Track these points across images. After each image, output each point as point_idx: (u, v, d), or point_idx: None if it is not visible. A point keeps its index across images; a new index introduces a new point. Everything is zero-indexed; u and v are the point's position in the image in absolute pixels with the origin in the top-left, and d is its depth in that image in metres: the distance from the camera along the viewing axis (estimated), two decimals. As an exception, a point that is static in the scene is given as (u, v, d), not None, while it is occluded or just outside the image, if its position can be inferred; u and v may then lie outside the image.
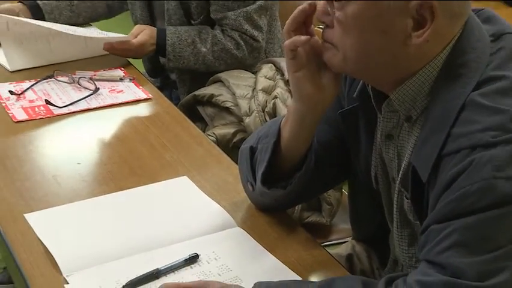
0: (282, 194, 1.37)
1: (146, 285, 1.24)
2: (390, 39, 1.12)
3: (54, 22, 2.29)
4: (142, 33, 2.14)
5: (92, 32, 2.30)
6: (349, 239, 1.62)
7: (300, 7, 1.22)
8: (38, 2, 2.32)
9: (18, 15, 2.24)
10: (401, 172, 1.22)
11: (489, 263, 1.05)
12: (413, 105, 1.18)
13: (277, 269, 1.28)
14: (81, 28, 2.29)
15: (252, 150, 1.38)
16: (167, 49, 2.15)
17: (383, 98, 1.22)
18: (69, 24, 2.28)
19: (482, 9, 1.23)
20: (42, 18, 2.30)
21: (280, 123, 1.34)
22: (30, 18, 2.27)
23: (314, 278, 1.28)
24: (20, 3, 2.32)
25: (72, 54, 2.18)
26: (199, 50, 2.16)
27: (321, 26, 1.21)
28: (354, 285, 1.12)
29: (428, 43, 1.11)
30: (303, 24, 1.23)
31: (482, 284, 1.04)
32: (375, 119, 1.28)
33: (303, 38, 1.21)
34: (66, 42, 2.16)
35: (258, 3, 2.16)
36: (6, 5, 2.30)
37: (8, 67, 2.10)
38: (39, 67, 2.11)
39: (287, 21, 1.23)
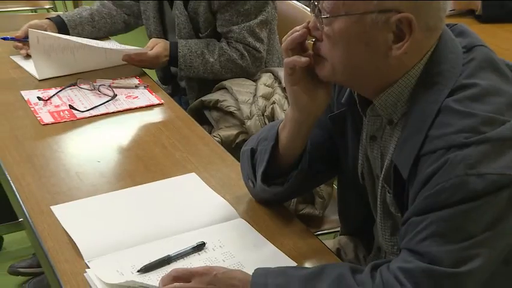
0: (280, 190, 1.38)
1: (158, 269, 1.25)
2: (373, 52, 1.13)
3: (77, 36, 2.30)
4: (157, 46, 2.15)
5: (112, 44, 2.31)
6: (339, 228, 1.62)
7: (300, 31, 1.22)
8: (64, 18, 2.33)
9: (46, 31, 2.25)
10: (384, 170, 1.23)
11: (463, 251, 1.05)
12: (394, 110, 1.18)
13: (275, 256, 1.29)
14: (102, 41, 2.30)
15: (253, 152, 1.39)
16: (179, 60, 2.16)
17: (367, 104, 1.23)
18: (90, 38, 2.29)
19: (456, 24, 1.23)
20: (67, 33, 2.30)
21: (278, 127, 1.35)
22: (57, 33, 2.28)
23: (308, 264, 1.28)
24: (47, 20, 2.33)
25: (93, 65, 2.18)
26: (207, 60, 2.16)
27: (312, 40, 1.22)
28: (344, 271, 1.13)
29: (407, 54, 1.12)
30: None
31: (457, 271, 1.04)
32: (361, 122, 1.28)
33: (303, 60, 1.22)
34: (88, 54, 2.17)
35: (259, 18, 2.16)
36: (36, 21, 2.31)
37: (37, 76, 2.12)
38: (64, 76, 2.11)
39: (286, 40, 1.23)
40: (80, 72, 2.13)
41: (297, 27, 1.23)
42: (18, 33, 2.26)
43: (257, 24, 2.15)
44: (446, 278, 1.05)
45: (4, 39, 2.26)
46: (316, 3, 1.15)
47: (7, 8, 3.60)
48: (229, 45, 2.17)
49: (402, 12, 1.08)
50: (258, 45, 2.17)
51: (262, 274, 1.15)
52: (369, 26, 1.10)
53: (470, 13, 2.58)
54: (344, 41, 1.13)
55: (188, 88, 2.29)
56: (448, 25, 1.19)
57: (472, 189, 1.04)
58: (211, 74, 2.19)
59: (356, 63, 1.15)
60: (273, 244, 1.32)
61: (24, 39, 2.23)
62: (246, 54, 2.16)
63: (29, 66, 2.17)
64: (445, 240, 1.05)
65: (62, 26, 2.31)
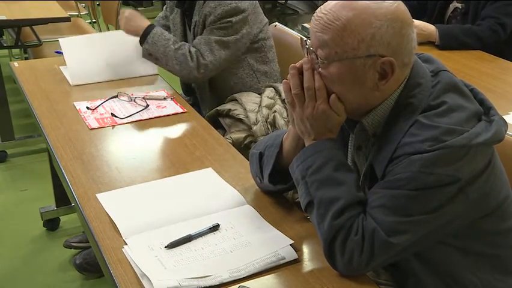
0: (283, 187, 1.36)
1: (181, 246, 1.23)
2: (363, 88, 1.12)
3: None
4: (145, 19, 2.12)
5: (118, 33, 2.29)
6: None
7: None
8: None
9: None
10: (363, 170, 1.22)
11: (398, 224, 1.06)
12: (378, 126, 1.18)
13: (275, 236, 1.27)
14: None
15: (261, 155, 1.37)
16: (150, 34, 2.09)
17: (352, 122, 1.23)
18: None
19: (422, 53, 1.23)
20: None
21: (283, 137, 1.33)
22: None
23: (304, 243, 1.26)
24: None
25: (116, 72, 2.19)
26: (169, 46, 2.08)
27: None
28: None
29: (389, 86, 1.13)
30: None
31: (390, 239, 1.06)
32: (348, 136, 1.28)
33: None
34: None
35: (220, 38, 2.07)
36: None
37: (71, 82, 2.12)
38: (107, 90, 2.09)
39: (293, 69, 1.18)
40: (120, 87, 2.11)
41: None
42: None
43: (216, 41, 2.07)
44: (381, 242, 1.06)
45: (57, 52, 2.31)
46: (312, 48, 1.14)
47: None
48: (189, 46, 2.10)
49: (385, 56, 1.09)
50: (207, 54, 2.08)
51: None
52: (358, 68, 1.10)
53: (429, 42, 2.62)
54: (338, 81, 1.13)
55: (200, 100, 2.26)
56: (416, 54, 1.18)
57: (421, 183, 1.05)
58: (164, 57, 2.09)
59: (349, 97, 1.14)
60: (274, 226, 1.30)
61: None
62: (195, 57, 2.07)
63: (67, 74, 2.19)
64: (389, 212, 1.07)
65: None
